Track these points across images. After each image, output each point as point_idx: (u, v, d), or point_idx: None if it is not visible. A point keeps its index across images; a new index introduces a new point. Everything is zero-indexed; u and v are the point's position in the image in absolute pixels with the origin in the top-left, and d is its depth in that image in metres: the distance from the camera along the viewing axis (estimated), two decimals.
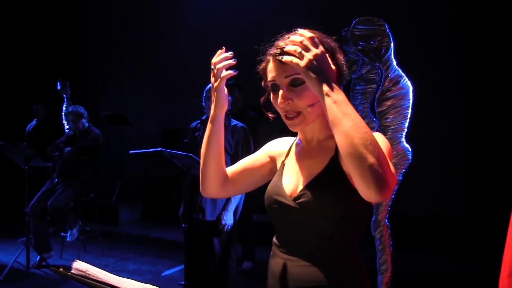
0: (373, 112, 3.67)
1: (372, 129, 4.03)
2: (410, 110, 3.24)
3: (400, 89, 3.25)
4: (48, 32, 8.73)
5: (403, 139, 3.25)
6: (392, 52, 3.27)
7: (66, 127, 5.58)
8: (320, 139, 1.47)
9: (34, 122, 6.76)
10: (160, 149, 3.53)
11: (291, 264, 1.42)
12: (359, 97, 4.20)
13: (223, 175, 1.59)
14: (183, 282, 3.75)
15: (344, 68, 1.42)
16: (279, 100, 1.37)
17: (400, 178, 3.25)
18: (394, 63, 3.29)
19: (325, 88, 1.20)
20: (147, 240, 6.59)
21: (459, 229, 6.03)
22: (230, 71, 1.44)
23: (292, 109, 1.37)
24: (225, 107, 1.50)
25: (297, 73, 1.32)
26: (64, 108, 5.83)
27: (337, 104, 1.19)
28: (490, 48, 5.74)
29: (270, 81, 1.40)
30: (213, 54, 1.46)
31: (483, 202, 5.72)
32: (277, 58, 1.36)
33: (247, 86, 5.02)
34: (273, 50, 1.39)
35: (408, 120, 3.26)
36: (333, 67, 1.29)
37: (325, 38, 1.40)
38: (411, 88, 3.23)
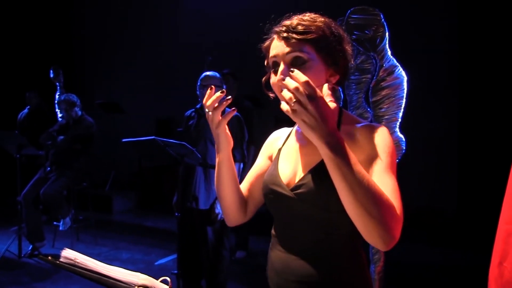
0: (367, 102, 3.66)
1: (366, 119, 4.04)
2: (404, 100, 3.24)
3: (395, 79, 3.25)
4: (42, 19, 8.67)
5: (397, 129, 3.25)
6: (387, 42, 3.26)
7: (59, 115, 5.55)
8: None
9: (26, 110, 6.71)
10: (153, 137, 3.51)
11: (291, 257, 1.38)
12: (354, 86, 4.19)
13: (244, 202, 1.57)
14: (176, 271, 3.75)
15: (352, 60, 1.40)
16: (277, 76, 1.31)
17: None
18: (389, 53, 3.28)
19: (325, 142, 1.07)
20: (140, 229, 6.59)
21: (451, 220, 6.06)
22: (231, 111, 1.40)
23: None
24: (230, 145, 1.46)
25: (300, 50, 1.29)
26: (57, 97, 5.80)
27: (337, 161, 1.09)
28: (485, 38, 5.74)
29: (271, 58, 1.35)
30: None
31: (476, 193, 5.75)
32: (281, 35, 1.32)
33: (242, 75, 5.01)
34: (278, 28, 1.35)
35: (402, 110, 3.26)
36: (332, 104, 1.19)
37: (335, 25, 1.37)
38: (405, 78, 3.23)
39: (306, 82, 1.04)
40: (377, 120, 3.28)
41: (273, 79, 1.35)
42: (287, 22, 1.33)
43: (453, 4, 6.19)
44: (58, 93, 5.81)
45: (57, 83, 5.82)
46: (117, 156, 7.88)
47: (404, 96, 3.25)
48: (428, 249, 5.44)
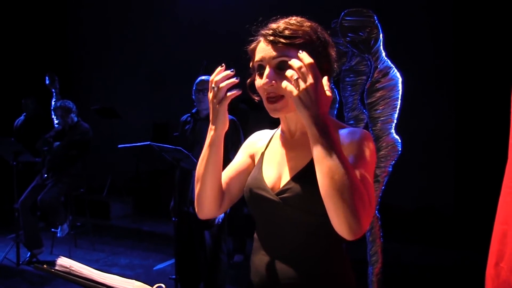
0: (362, 103, 3.68)
1: (362, 120, 4.05)
2: (399, 101, 3.25)
3: (389, 80, 3.26)
4: (37, 26, 8.65)
5: (393, 130, 3.26)
6: (381, 44, 3.27)
7: (55, 122, 5.54)
8: (303, 131, 1.39)
9: (22, 117, 6.70)
10: (148, 143, 3.51)
11: (276, 261, 1.38)
12: (349, 88, 4.21)
13: (222, 194, 1.50)
14: (174, 276, 3.75)
15: (335, 65, 1.40)
16: (263, 80, 1.32)
17: (390, 169, 3.26)
18: (383, 54, 3.29)
19: (314, 123, 1.16)
20: (138, 234, 6.57)
21: (449, 220, 6.07)
22: (235, 91, 1.37)
23: (275, 92, 1.32)
24: (226, 127, 1.42)
25: (286, 55, 1.29)
26: (53, 103, 5.79)
27: (321, 142, 1.16)
28: (480, 38, 5.75)
29: (257, 61, 1.36)
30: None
31: (473, 193, 5.75)
32: (267, 38, 1.32)
33: (238, 78, 5.01)
34: (264, 31, 1.35)
35: (397, 111, 3.27)
36: (328, 93, 1.22)
37: (321, 30, 1.38)
38: (400, 79, 3.24)
39: (311, 64, 1.16)
40: (372, 122, 3.29)
41: (258, 82, 1.36)
42: (274, 26, 1.34)
43: (448, 5, 6.21)
44: (54, 100, 5.80)
45: (53, 90, 5.82)
46: (114, 162, 7.86)
47: (399, 97, 3.27)
48: (425, 250, 5.44)
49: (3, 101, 7.84)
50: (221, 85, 1.35)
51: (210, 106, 1.40)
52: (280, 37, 1.30)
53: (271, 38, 1.31)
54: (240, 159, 1.57)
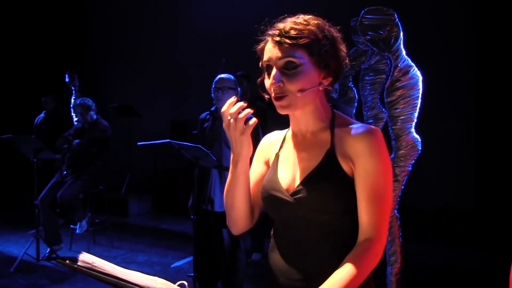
0: (382, 102, 3.64)
1: (381, 119, 4.02)
2: (419, 101, 3.21)
3: (410, 79, 3.22)
4: (56, 24, 8.73)
5: (413, 130, 3.22)
6: (402, 42, 3.23)
7: (75, 119, 5.59)
8: (314, 130, 1.43)
9: (42, 115, 6.77)
10: (168, 140, 3.52)
11: (293, 259, 1.41)
12: (368, 87, 4.18)
13: (252, 210, 1.53)
14: (192, 274, 3.76)
15: (346, 60, 1.40)
16: (270, 80, 1.35)
17: (410, 169, 3.23)
18: (404, 53, 3.25)
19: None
20: (156, 232, 6.60)
21: (469, 221, 5.99)
22: (254, 119, 1.37)
23: (282, 92, 1.34)
24: (251, 152, 1.43)
25: (292, 55, 1.31)
26: (72, 101, 5.84)
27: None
28: (502, 37, 5.67)
29: (265, 61, 1.38)
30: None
31: (493, 194, 5.68)
32: (274, 39, 1.34)
33: (256, 77, 5.01)
34: (271, 31, 1.36)
35: (417, 111, 3.23)
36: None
37: (328, 27, 1.38)
38: (420, 78, 3.20)
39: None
40: (392, 121, 3.25)
41: (267, 82, 1.38)
42: (281, 26, 1.35)
43: (470, 3, 6.13)
44: (73, 97, 5.85)
45: (73, 87, 5.87)
46: (132, 159, 7.92)
47: (420, 96, 3.23)
48: (445, 250, 5.37)
49: (23, 99, 7.95)
50: (240, 116, 1.35)
51: (231, 137, 1.39)
52: (285, 37, 1.32)
53: (277, 38, 1.33)
54: (257, 169, 1.58)
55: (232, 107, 1.35)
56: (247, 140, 1.39)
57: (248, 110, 1.35)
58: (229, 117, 1.36)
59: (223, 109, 1.37)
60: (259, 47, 1.42)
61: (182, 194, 7.18)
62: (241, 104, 1.36)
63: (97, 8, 9.59)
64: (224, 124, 1.39)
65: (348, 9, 4.22)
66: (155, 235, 6.38)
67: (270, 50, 1.36)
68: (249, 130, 1.38)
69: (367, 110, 4.23)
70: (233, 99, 1.37)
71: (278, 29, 1.34)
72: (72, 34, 9.15)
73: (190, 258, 4.65)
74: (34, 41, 8.44)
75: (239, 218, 1.51)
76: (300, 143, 1.47)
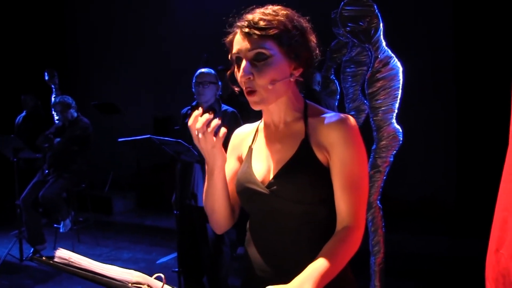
0: (363, 94, 3.66)
1: (363, 111, 4.04)
2: (400, 91, 3.23)
3: (390, 70, 3.23)
4: (35, 22, 8.63)
5: (394, 120, 3.23)
6: (382, 33, 3.24)
7: (56, 118, 5.53)
8: (287, 121, 1.43)
9: (23, 114, 6.70)
10: (148, 136, 3.51)
11: (270, 251, 1.41)
12: (350, 79, 4.20)
13: (233, 208, 1.54)
14: (177, 269, 3.75)
15: (317, 51, 1.39)
16: (240, 72, 1.33)
17: (391, 159, 3.25)
18: (384, 44, 3.26)
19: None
20: (141, 228, 6.59)
21: (451, 211, 6.06)
22: (223, 129, 1.36)
23: (252, 86, 1.33)
24: (225, 161, 1.42)
25: (262, 47, 1.30)
26: (52, 99, 5.78)
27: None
28: (481, 26, 5.71)
29: (234, 53, 1.36)
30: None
31: (475, 184, 5.73)
32: (243, 30, 1.32)
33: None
34: (240, 22, 1.35)
35: (398, 101, 3.24)
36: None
37: (297, 17, 1.37)
38: (400, 69, 3.21)
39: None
40: (373, 112, 3.26)
41: (237, 75, 1.36)
42: (249, 17, 1.34)
43: None
44: (53, 95, 5.79)
45: (52, 85, 5.81)
46: (115, 157, 7.87)
47: (400, 87, 3.24)
48: (427, 239, 5.44)
49: (3, 98, 7.84)
50: (209, 130, 1.32)
51: (203, 151, 1.38)
52: (254, 28, 1.31)
53: (246, 30, 1.31)
54: (231, 166, 1.56)
55: (198, 122, 1.32)
56: (220, 151, 1.38)
57: (216, 122, 1.32)
58: (196, 132, 1.34)
59: (189, 123, 1.33)
60: (228, 39, 1.40)
61: (166, 190, 7.15)
62: (207, 116, 1.32)
63: (77, 3, 9.49)
64: (193, 139, 1.36)
65: (328, 1, 4.22)
66: (140, 232, 6.37)
67: (239, 42, 1.34)
68: (220, 142, 1.36)
69: (349, 102, 4.24)
70: (198, 112, 1.32)
71: (246, 20, 1.32)
72: (52, 31, 9.05)
73: (175, 254, 4.65)
74: (12, 40, 8.34)
75: (221, 219, 1.51)
76: (273, 135, 1.45)
